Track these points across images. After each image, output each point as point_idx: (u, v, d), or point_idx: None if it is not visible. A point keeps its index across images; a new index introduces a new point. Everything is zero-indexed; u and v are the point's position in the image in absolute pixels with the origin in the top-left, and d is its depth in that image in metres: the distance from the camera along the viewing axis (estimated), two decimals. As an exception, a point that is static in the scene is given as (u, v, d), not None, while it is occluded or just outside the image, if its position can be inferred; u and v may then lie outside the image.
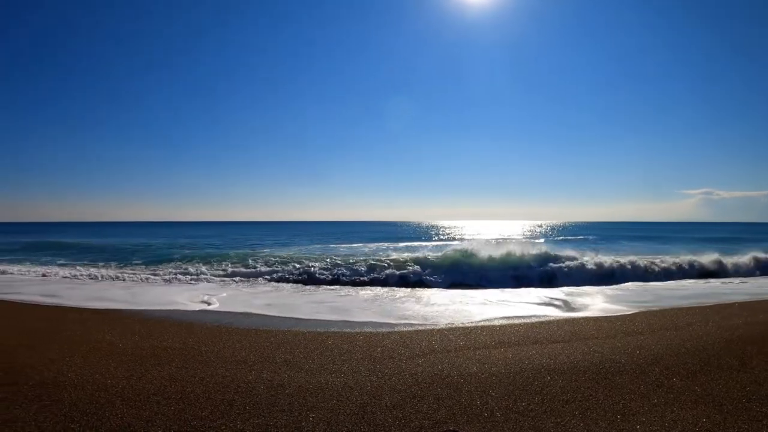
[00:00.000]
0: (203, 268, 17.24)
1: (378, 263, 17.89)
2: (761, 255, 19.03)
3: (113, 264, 19.43)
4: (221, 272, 16.66)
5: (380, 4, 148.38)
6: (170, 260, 19.91)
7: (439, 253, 19.25)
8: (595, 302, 10.02)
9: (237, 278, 15.51)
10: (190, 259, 19.89)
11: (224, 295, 11.44)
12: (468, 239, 44.16)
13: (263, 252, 23.58)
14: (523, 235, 63.26)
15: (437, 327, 7.53)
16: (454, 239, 46.29)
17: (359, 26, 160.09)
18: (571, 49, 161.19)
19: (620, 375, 4.79)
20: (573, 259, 18.49)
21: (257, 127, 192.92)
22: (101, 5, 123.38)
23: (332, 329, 7.40)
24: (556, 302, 10.04)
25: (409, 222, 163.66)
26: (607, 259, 18.38)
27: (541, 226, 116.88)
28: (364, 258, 19.27)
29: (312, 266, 17.37)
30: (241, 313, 9.01)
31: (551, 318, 8.30)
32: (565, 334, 6.74)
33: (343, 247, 30.43)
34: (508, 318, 8.28)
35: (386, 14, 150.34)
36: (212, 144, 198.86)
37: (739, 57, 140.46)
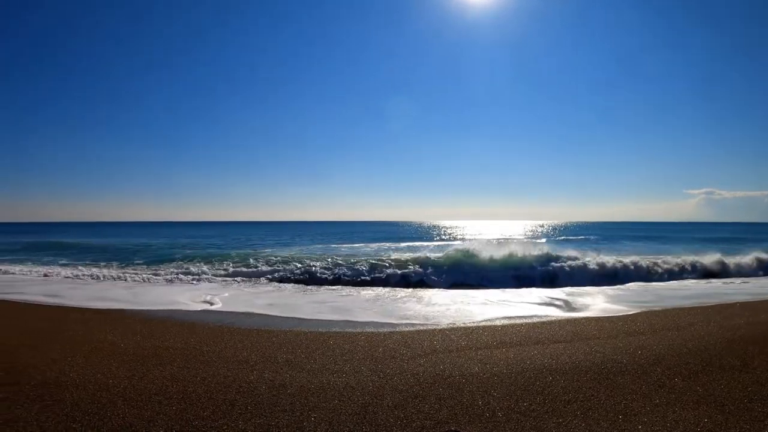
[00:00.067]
0: (205, 268, 17.26)
1: (379, 263, 17.88)
2: (763, 255, 18.98)
3: (115, 264, 19.45)
4: (223, 272, 16.68)
5: (380, 4, 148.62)
6: (172, 260, 19.94)
7: (441, 253, 19.23)
8: (597, 302, 10.01)
9: (239, 278, 15.53)
10: (191, 259, 19.91)
11: (226, 295, 11.45)
12: (469, 239, 44.18)
13: (265, 252, 23.60)
14: (525, 235, 63.22)
15: (439, 327, 7.53)
16: (455, 239, 46.26)
17: (359, 26, 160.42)
18: (573, 48, 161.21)
19: (622, 375, 4.78)
20: (574, 259, 18.47)
21: (257, 127, 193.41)
22: (101, 5, 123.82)
23: (334, 329, 7.41)
24: (558, 302, 10.03)
25: (410, 222, 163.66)
26: (609, 259, 18.35)
27: (542, 226, 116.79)
28: (366, 258, 19.27)
29: (313, 266, 17.37)
30: (242, 313, 9.01)
31: (553, 318, 8.29)
32: (566, 334, 6.73)
33: (345, 247, 30.43)
34: (509, 318, 8.28)
35: (386, 14, 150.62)
36: (212, 144, 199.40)
37: (741, 57, 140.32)
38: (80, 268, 18.17)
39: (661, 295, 11.15)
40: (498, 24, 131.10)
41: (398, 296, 11.09)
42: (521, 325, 7.58)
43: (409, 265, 17.68)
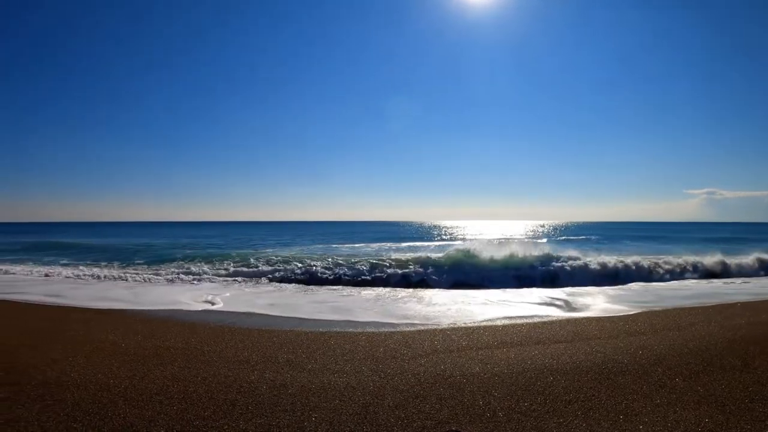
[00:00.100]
0: (206, 268, 17.28)
1: (380, 263, 17.89)
2: (764, 255, 18.95)
3: (116, 264, 19.48)
4: (224, 272, 16.69)
5: (380, 4, 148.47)
6: (173, 260, 19.96)
7: (441, 254, 19.23)
8: (598, 302, 10.00)
9: (240, 278, 15.54)
10: (192, 259, 19.92)
11: (227, 294, 11.46)
12: (470, 239, 44.17)
13: (265, 252, 23.61)
14: (525, 235, 63.18)
15: (440, 327, 7.53)
16: (455, 239, 46.25)
17: (359, 26, 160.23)
18: (573, 48, 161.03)
19: (623, 375, 4.78)
20: (575, 259, 18.46)
21: (257, 127, 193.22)
22: (101, 5, 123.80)
23: (335, 329, 7.41)
24: (559, 302, 10.03)
25: (411, 222, 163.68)
26: (610, 260, 18.34)
27: (543, 226, 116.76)
28: (366, 258, 19.28)
29: (314, 266, 17.38)
30: (243, 313, 9.02)
31: (554, 318, 8.29)
32: (567, 335, 6.73)
33: (345, 247, 30.43)
34: (510, 318, 8.28)
35: (387, 14, 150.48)
36: (212, 144, 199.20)
37: (742, 57, 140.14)
38: (81, 268, 18.19)
39: (662, 295, 11.14)
40: (499, 24, 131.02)
41: (399, 296, 11.10)
42: (522, 325, 7.57)
43: (410, 265, 17.69)
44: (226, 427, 3.57)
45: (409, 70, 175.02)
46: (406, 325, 7.78)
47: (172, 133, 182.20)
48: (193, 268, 17.16)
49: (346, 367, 5.17)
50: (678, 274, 17.26)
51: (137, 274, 16.03)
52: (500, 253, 18.43)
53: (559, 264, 17.76)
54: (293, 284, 14.46)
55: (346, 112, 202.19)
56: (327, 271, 16.87)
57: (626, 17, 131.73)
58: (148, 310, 9.25)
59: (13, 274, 16.40)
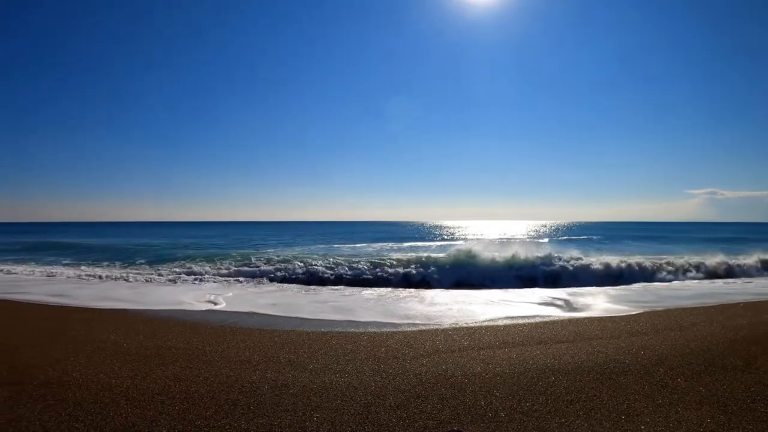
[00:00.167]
0: (208, 268, 17.31)
1: (381, 263, 17.92)
2: (766, 256, 18.94)
3: (117, 264, 19.52)
4: (225, 272, 16.72)
5: (380, 4, 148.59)
6: (174, 260, 19.99)
7: (443, 254, 19.25)
8: (599, 302, 9.99)
9: (241, 278, 15.55)
10: (194, 259, 19.95)
11: (229, 294, 11.46)
12: (471, 239, 44.14)
13: (267, 252, 23.63)
14: (527, 235, 63.14)
15: (441, 327, 7.53)
16: (457, 239, 46.25)
17: (359, 26, 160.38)
18: (574, 48, 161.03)
19: (624, 375, 4.78)
20: (577, 259, 18.47)
21: (257, 127, 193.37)
22: (101, 5, 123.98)
23: (336, 329, 7.41)
24: (560, 302, 10.02)
25: (411, 222, 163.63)
26: (612, 260, 18.34)
27: (544, 226, 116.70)
28: (368, 258, 19.30)
29: (316, 266, 17.41)
30: (245, 313, 9.02)
31: (555, 318, 8.28)
32: (569, 335, 6.73)
33: (347, 247, 30.44)
34: (512, 318, 8.27)
35: (387, 14, 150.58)
36: (212, 144, 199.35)
37: (743, 57, 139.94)
38: (83, 267, 18.25)
39: (663, 296, 11.13)
40: (499, 24, 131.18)
41: (400, 296, 11.09)
42: (524, 325, 7.57)
43: (411, 265, 17.71)
44: (228, 427, 3.57)
45: (409, 70, 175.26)
46: (408, 325, 7.78)
47: (172, 133, 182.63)
48: (195, 268, 17.19)
49: (348, 367, 5.17)
50: (679, 274, 17.25)
51: (139, 274, 16.04)
52: (501, 253, 18.45)
53: (560, 264, 17.77)
54: (295, 284, 14.47)
55: (346, 112, 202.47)
56: (328, 271, 16.89)
57: (626, 17, 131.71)
58: (150, 310, 9.25)
59: (15, 274, 16.42)
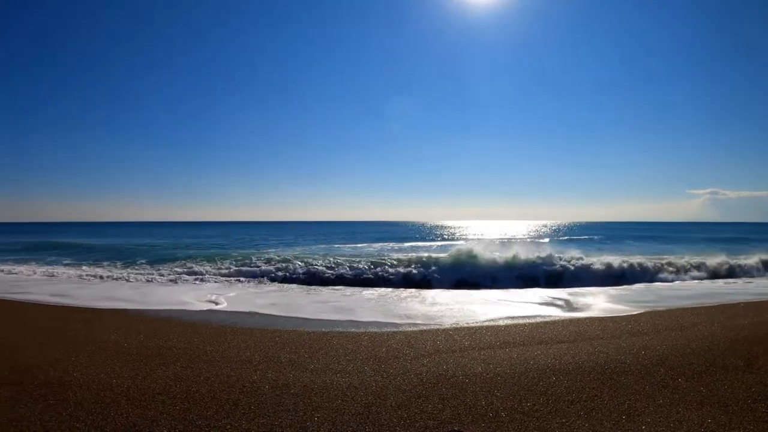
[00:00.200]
0: (208, 268, 17.32)
1: (382, 263, 17.93)
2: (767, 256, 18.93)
3: (118, 264, 19.53)
4: (227, 272, 16.73)
5: (380, 4, 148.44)
6: (176, 260, 19.98)
7: (444, 254, 19.25)
8: (600, 302, 9.99)
9: (242, 278, 15.58)
10: (195, 259, 19.95)
11: (231, 294, 11.48)
12: (472, 239, 44.14)
13: (268, 252, 23.64)
14: (528, 235, 63.12)
15: (442, 327, 7.53)
16: (457, 239, 46.24)
17: (359, 26, 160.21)
18: (575, 48, 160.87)
19: (625, 375, 4.77)
20: (578, 259, 18.46)
21: (257, 127, 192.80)
22: (101, 5, 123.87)
23: (337, 329, 7.41)
24: (561, 302, 10.02)
25: (412, 222, 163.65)
26: (613, 260, 18.32)
27: (545, 226, 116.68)
28: (369, 258, 19.31)
29: (317, 266, 17.42)
30: (246, 313, 9.03)
31: (556, 318, 8.28)
32: (570, 335, 6.72)
33: (348, 248, 30.46)
34: (512, 318, 8.27)
35: (387, 14, 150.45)
36: (212, 144, 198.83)
37: (744, 57, 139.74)
38: (84, 268, 18.27)
39: (664, 296, 11.13)
40: (499, 24, 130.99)
41: (401, 296, 11.10)
42: (524, 325, 7.57)
43: (412, 265, 17.71)
44: (229, 426, 3.58)
45: (409, 70, 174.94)
46: (409, 325, 7.78)
47: (172, 133, 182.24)
48: (197, 268, 17.20)
49: (349, 367, 5.17)
50: (681, 274, 17.23)
51: (140, 274, 16.07)
52: (502, 253, 18.45)
53: (561, 264, 17.76)
54: (296, 284, 14.49)
55: (346, 112, 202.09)
56: (329, 271, 16.90)
57: (627, 17, 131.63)
58: (151, 310, 9.26)
59: (16, 274, 16.44)
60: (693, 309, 8.98)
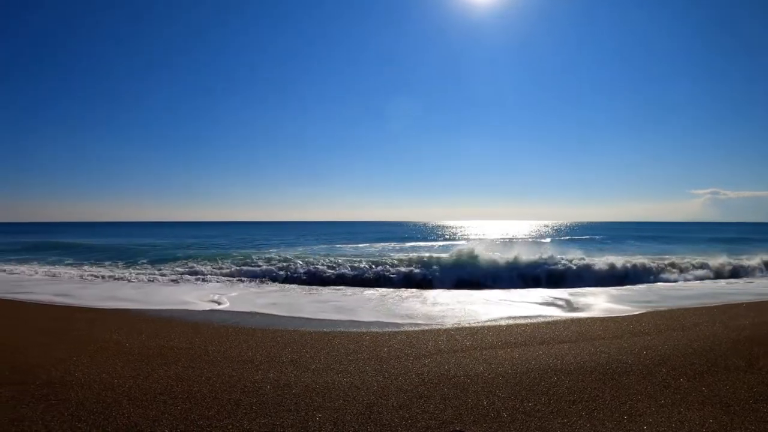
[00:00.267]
0: (210, 268, 17.32)
1: (383, 263, 17.93)
2: (769, 256, 18.91)
3: (120, 264, 19.55)
4: (228, 272, 16.73)
5: (380, 4, 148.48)
6: (177, 260, 19.98)
7: (445, 254, 19.25)
8: (602, 303, 9.98)
9: (244, 278, 15.59)
10: (197, 259, 19.95)
11: (233, 294, 11.48)
12: (473, 239, 44.15)
13: (270, 252, 23.63)
14: (529, 235, 63.06)
15: (443, 327, 7.52)
16: (459, 239, 46.23)
17: (359, 26, 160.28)
18: (575, 48, 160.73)
19: (627, 375, 4.77)
20: (579, 259, 18.45)
21: (257, 127, 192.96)
22: (101, 5, 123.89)
23: (339, 329, 7.41)
24: (562, 303, 10.01)
25: (412, 222, 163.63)
26: (614, 260, 18.29)
27: (546, 226, 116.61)
28: (370, 258, 19.31)
29: (318, 266, 17.43)
30: (247, 313, 9.03)
31: (557, 318, 8.27)
32: (571, 335, 6.72)
33: (349, 248, 30.46)
34: (514, 318, 8.26)
35: (387, 14, 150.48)
36: (212, 144, 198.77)
37: (746, 56, 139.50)
38: (86, 267, 18.29)
39: (665, 296, 11.11)
40: (499, 24, 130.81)
41: (403, 296, 11.09)
42: (526, 325, 7.56)
43: (414, 265, 17.72)
44: (230, 426, 3.58)
45: (409, 70, 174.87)
46: (410, 325, 7.78)
47: (172, 133, 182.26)
48: (199, 268, 17.21)
49: (350, 367, 5.17)
50: (682, 274, 17.20)
51: (143, 274, 16.08)
52: (504, 254, 18.45)
53: (563, 264, 17.74)
54: (297, 284, 14.51)
55: (346, 112, 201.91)
56: (330, 271, 16.90)
57: (628, 17, 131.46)
58: (152, 310, 9.27)
59: (18, 273, 16.47)
60: (695, 309, 8.97)
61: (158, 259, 21.12)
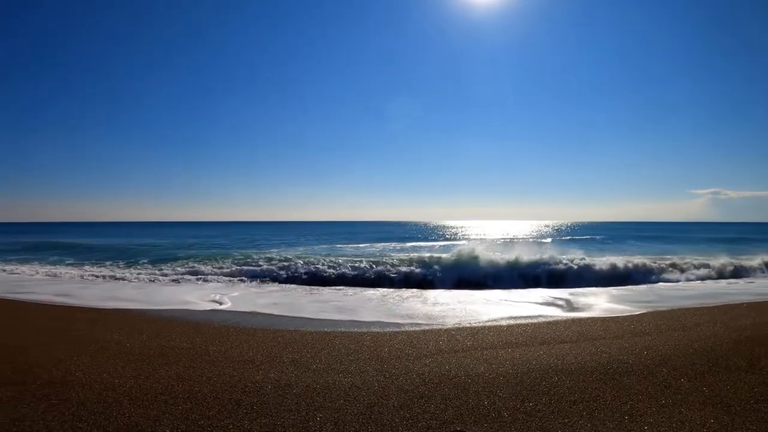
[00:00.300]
0: (212, 268, 17.34)
1: (384, 263, 17.93)
2: (770, 256, 18.89)
3: (121, 264, 19.55)
4: (229, 272, 16.74)
5: (380, 4, 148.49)
6: (178, 260, 19.97)
7: (445, 254, 19.25)
8: (602, 303, 9.97)
9: (245, 278, 15.59)
10: (198, 259, 19.95)
11: (234, 294, 11.49)
12: (474, 239, 44.14)
13: (270, 252, 23.63)
14: (529, 235, 63.02)
15: (444, 327, 7.52)
16: (459, 239, 46.22)
17: (359, 26, 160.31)
18: (575, 48, 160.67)
19: (628, 376, 4.77)
20: (580, 259, 18.44)
21: (257, 127, 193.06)
22: (101, 5, 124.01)
23: (339, 329, 7.41)
24: (563, 302, 10.00)
25: (413, 222, 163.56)
26: (615, 260, 18.29)
27: (547, 226, 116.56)
28: (371, 258, 19.32)
29: (319, 266, 17.44)
30: (248, 313, 9.04)
31: (558, 318, 8.27)
32: (572, 335, 6.72)
33: (350, 248, 30.46)
34: (515, 318, 8.26)
35: (387, 14, 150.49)
36: (212, 144, 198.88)
37: (746, 56, 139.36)
38: (86, 267, 18.30)
39: (666, 296, 11.10)
40: (500, 24, 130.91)
41: (403, 296, 11.09)
42: (527, 325, 7.56)
43: (414, 265, 17.72)
44: (231, 426, 3.58)
45: (409, 70, 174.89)
46: (411, 325, 7.78)
47: (172, 133, 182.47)
48: (200, 268, 17.22)
49: (351, 367, 5.17)
50: (683, 274, 17.19)
51: (143, 274, 16.09)
52: (504, 254, 18.46)
53: (563, 264, 17.74)
54: (298, 284, 14.52)
55: (346, 112, 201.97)
56: (331, 271, 16.91)
57: (628, 17, 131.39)
58: (153, 310, 9.27)
59: (18, 273, 16.48)
60: (695, 309, 8.97)
61: (159, 259, 21.13)
